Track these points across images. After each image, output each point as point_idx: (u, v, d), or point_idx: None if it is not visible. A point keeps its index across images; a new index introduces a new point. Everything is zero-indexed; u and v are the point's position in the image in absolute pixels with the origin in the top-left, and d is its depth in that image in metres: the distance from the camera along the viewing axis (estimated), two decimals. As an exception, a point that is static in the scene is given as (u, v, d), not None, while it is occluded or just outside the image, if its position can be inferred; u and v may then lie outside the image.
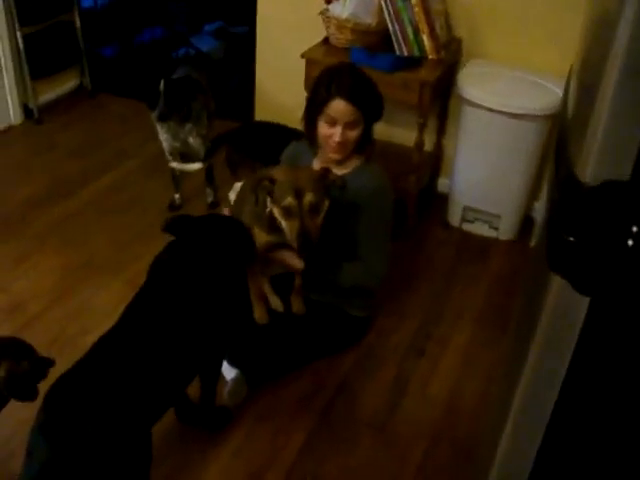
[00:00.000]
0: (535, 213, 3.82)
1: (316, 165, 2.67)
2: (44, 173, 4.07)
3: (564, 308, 1.15)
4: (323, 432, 2.56)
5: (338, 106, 2.48)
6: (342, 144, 2.53)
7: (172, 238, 2.22)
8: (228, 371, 2.65)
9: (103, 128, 4.59)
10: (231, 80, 5.14)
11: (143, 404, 1.95)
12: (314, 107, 2.55)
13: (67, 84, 4.92)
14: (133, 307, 2.11)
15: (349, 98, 2.47)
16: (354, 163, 2.65)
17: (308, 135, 2.65)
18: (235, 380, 2.62)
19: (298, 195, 2.29)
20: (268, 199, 2.39)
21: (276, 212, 2.37)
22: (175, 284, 2.12)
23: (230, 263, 2.23)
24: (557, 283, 1.12)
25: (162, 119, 3.41)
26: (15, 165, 4.18)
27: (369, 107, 2.54)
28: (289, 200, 2.29)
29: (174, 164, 3.72)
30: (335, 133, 2.51)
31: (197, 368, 2.25)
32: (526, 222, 3.73)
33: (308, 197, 2.30)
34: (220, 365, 2.44)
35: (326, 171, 2.42)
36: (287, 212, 2.32)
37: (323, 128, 2.54)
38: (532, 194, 3.67)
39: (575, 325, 1.14)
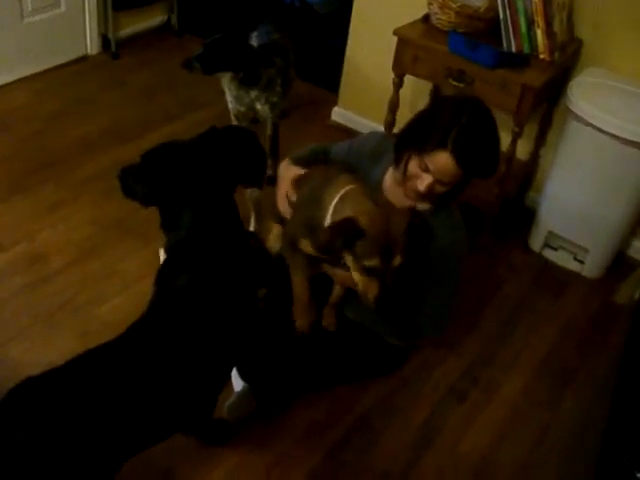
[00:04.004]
0: (631, 251, 3.33)
1: (388, 178, 2.24)
2: (105, 113, 3.85)
3: None
4: (327, 474, 2.23)
5: (441, 160, 1.95)
6: (423, 196, 2.06)
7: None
8: (237, 381, 2.35)
9: (179, 72, 4.26)
10: (330, 40, 4.71)
11: (118, 438, 1.67)
12: (415, 139, 2.04)
13: (152, 19, 4.66)
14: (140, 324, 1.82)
15: (459, 159, 1.94)
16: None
17: (396, 155, 2.12)
18: (241, 394, 2.32)
19: (386, 255, 1.82)
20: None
21: (350, 262, 1.88)
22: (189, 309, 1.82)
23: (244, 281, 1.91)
24: None
25: (184, 65, 3.15)
26: (79, 99, 3.95)
27: (478, 171, 2.03)
28: (375, 262, 1.81)
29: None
30: (422, 180, 2.01)
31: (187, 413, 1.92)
32: (617, 260, 3.25)
33: (398, 260, 1.83)
34: (223, 382, 2.11)
35: (415, 218, 1.94)
36: (368, 272, 1.85)
37: (413, 166, 2.04)
38: (630, 230, 3.17)
39: None
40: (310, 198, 2.13)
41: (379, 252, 1.80)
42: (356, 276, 1.87)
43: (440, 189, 2.04)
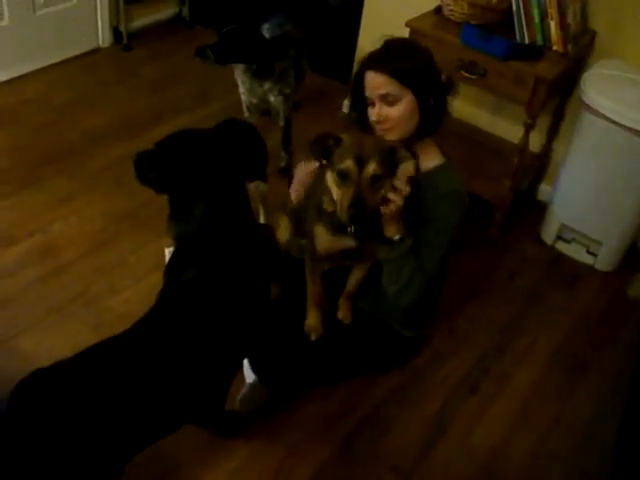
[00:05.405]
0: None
1: None
2: (117, 104, 3.86)
3: None
4: (337, 467, 2.23)
5: (368, 78, 2.11)
6: (382, 124, 2.11)
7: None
8: (248, 373, 2.35)
9: (191, 64, 4.26)
10: (343, 31, 4.67)
11: (129, 430, 1.67)
12: (354, 88, 2.19)
13: (164, 11, 4.66)
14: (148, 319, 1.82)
15: (376, 66, 2.08)
16: (435, 161, 2.21)
17: (359, 121, 2.23)
18: (252, 386, 2.32)
19: (360, 161, 1.91)
20: (328, 172, 2.00)
21: (330, 179, 1.99)
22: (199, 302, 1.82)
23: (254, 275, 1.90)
24: None
25: (198, 53, 3.11)
26: (91, 91, 3.96)
27: (412, 77, 2.07)
28: (348, 163, 1.90)
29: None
30: (372, 112, 2.13)
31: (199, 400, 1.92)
32: (630, 253, 3.22)
33: (371, 166, 1.90)
34: (232, 375, 2.11)
35: (400, 144, 2.03)
36: (343, 177, 1.93)
37: (368, 111, 2.17)
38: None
39: None
40: (318, 187, 2.16)
41: (353, 155, 1.91)
42: (333, 188, 1.98)
43: (394, 112, 2.08)
